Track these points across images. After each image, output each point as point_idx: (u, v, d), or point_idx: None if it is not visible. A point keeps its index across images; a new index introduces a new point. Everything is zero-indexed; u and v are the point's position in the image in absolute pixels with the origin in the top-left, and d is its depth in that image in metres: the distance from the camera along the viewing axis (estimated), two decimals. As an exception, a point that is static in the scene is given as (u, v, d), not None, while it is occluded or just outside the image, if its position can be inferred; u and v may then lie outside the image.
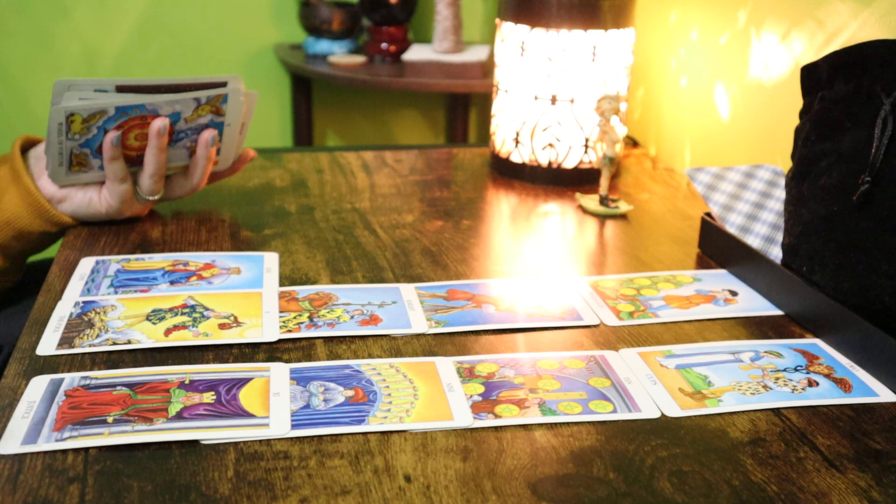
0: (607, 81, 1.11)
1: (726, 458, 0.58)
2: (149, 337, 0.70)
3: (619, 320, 0.77)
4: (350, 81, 1.95)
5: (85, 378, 0.64)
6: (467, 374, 0.67)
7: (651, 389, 0.66)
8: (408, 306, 0.78)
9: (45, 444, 0.57)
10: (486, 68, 1.95)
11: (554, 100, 1.10)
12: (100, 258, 0.85)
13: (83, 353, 0.68)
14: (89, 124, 0.84)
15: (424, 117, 2.39)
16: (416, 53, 1.98)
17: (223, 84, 0.90)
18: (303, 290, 0.80)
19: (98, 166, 0.88)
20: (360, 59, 2.04)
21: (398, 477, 0.55)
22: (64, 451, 0.56)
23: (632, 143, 1.34)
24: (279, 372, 0.66)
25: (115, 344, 0.69)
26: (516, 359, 0.70)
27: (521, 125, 1.13)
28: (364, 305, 0.78)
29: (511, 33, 1.12)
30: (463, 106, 2.20)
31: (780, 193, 0.90)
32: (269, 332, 0.72)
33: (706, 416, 0.63)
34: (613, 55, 1.10)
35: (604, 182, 1.04)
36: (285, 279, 0.83)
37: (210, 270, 0.83)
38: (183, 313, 0.74)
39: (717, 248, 0.90)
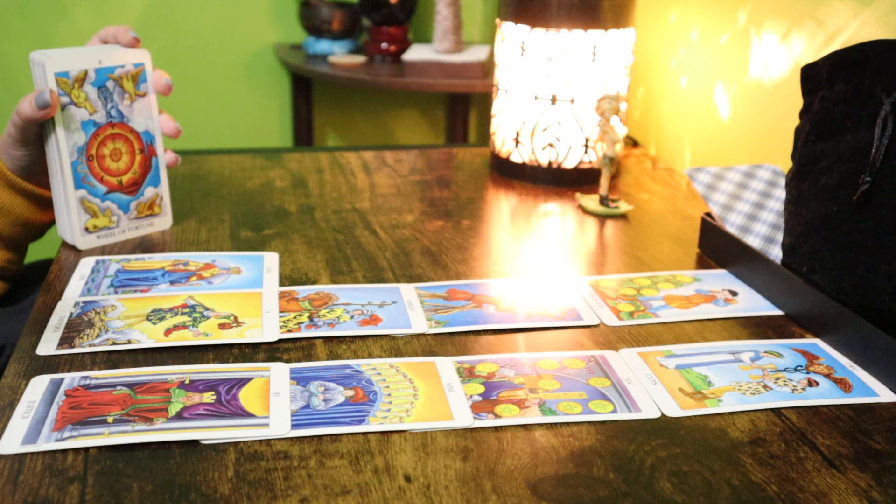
0: (607, 81, 1.11)
1: (726, 458, 0.58)
2: (149, 337, 0.70)
3: (619, 320, 0.77)
4: (350, 81, 1.95)
5: (85, 378, 0.64)
6: (467, 374, 0.67)
7: (651, 389, 0.66)
8: (408, 306, 0.78)
9: (45, 444, 0.57)
10: (486, 68, 1.95)
11: (554, 100, 1.10)
12: (100, 258, 0.85)
13: (83, 353, 0.68)
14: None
15: (424, 117, 2.39)
16: (416, 53, 1.98)
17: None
18: (303, 290, 0.80)
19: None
20: (360, 59, 2.04)
21: (398, 477, 0.55)
22: (64, 451, 0.56)
23: (632, 143, 1.34)
24: (279, 372, 0.66)
25: (115, 344, 0.69)
26: (516, 359, 0.70)
27: (521, 125, 1.13)
28: (364, 305, 0.78)
29: (511, 33, 1.12)
30: (463, 106, 2.20)
31: (780, 193, 0.90)
32: (269, 332, 0.72)
33: (706, 416, 0.63)
34: (613, 55, 1.10)
35: (604, 182, 1.04)
36: (285, 279, 0.83)
37: (210, 270, 0.83)
38: (183, 313, 0.74)
39: (717, 248, 0.90)
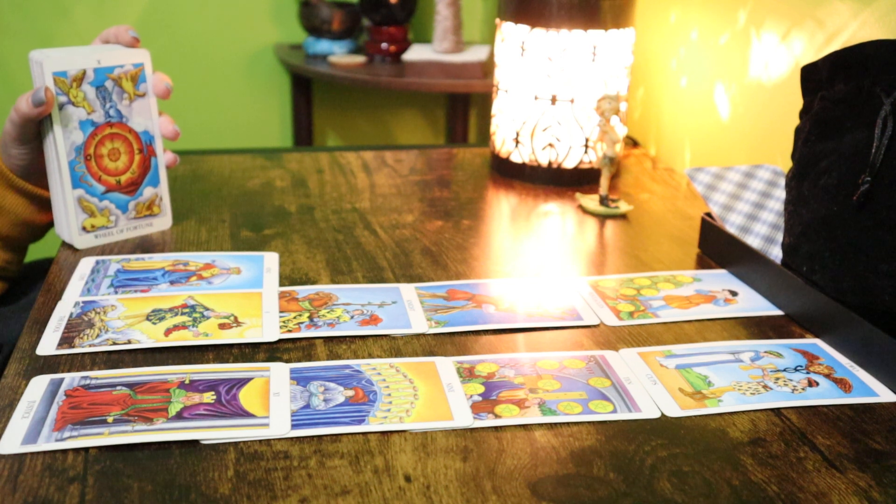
0: (607, 81, 1.11)
1: (726, 458, 0.58)
2: (149, 337, 0.70)
3: (619, 320, 0.77)
4: (350, 81, 1.95)
5: (85, 378, 0.64)
6: (467, 374, 0.67)
7: (651, 389, 0.66)
8: (408, 306, 0.78)
9: (45, 444, 0.57)
10: (486, 68, 1.95)
11: (554, 100, 1.10)
12: (100, 258, 0.85)
13: (83, 353, 0.68)
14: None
15: (424, 117, 2.39)
16: (416, 53, 1.98)
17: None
18: (303, 290, 0.80)
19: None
20: (360, 59, 2.04)
21: (398, 477, 0.55)
22: (64, 451, 0.56)
23: (632, 143, 1.34)
24: (279, 372, 0.66)
25: (115, 344, 0.69)
26: (516, 359, 0.70)
27: (521, 125, 1.13)
28: (364, 305, 0.77)
29: (511, 33, 1.12)
30: (463, 106, 2.20)
31: (780, 193, 0.90)
32: (269, 332, 0.72)
33: (706, 416, 0.63)
34: (613, 55, 1.10)
35: (604, 182, 1.04)
36: (285, 279, 0.83)
37: (210, 270, 0.83)
38: (183, 313, 0.74)
39: (717, 248, 0.90)
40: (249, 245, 0.91)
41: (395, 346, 0.72)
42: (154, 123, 0.90)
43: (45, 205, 0.89)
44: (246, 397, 0.63)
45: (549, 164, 1.13)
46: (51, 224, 0.92)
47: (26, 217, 0.88)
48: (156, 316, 0.74)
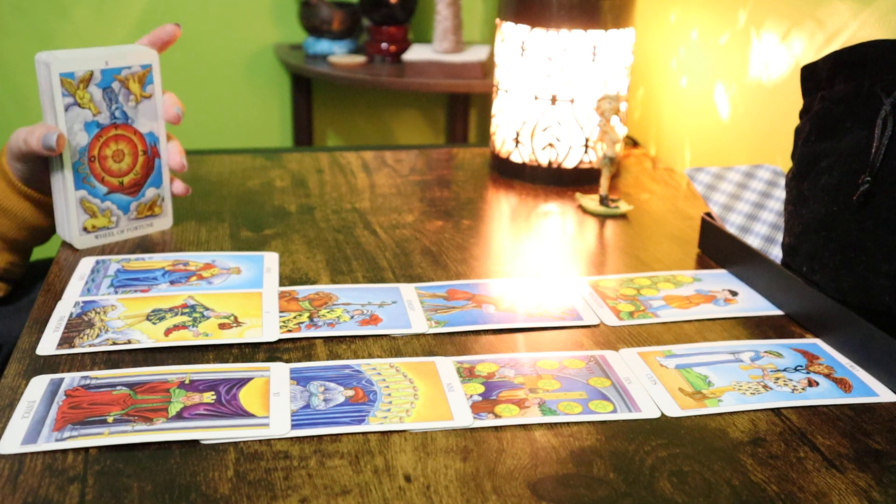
0: (607, 81, 1.11)
1: (726, 458, 0.58)
2: (149, 337, 0.70)
3: (619, 320, 0.77)
4: (350, 81, 1.95)
5: (85, 378, 0.64)
6: (467, 374, 0.67)
7: (651, 389, 0.66)
8: (408, 306, 0.78)
9: (45, 444, 0.57)
10: (486, 68, 1.95)
11: (554, 100, 1.10)
12: (100, 258, 0.85)
13: (83, 353, 0.68)
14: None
15: (424, 117, 2.39)
16: (416, 53, 1.98)
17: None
18: (303, 290, 0.80)
19: None
20: (360, 59, 2.04)
21: (398, 477, 0.55)
22: (64, 451, 0.56)
23: (632, 143, 1.34)
24: (279, 372, 0.66)
25: (115, 344, 0.69)
26: (516, 359, 0.70)
27: (521, 125, 1.13)
28: (364, 305, 0.78)
29: (511, 33, 1.12)
30: (463, 106, 2.20)
31: (780, 193, 0.90)
32: (269, 332, 0.72)
33: (706, 416, 0.63)
34: (613, 55, 1.10)
35: (604, 182, 1.04)
36: (285, 279, 0.83)
37: (210, 270, 0.83)
38: (183, 313, 0.74)
39: (717, 248, 0.90)
40: (249, 245, 0.91)
41: (395, 346, 0.72)
42: (159, 125, 0.90)
43: (50, 210, 0.89)
44: (246, 397, 0.63)
45: (549, 164, 1.13)
46: (55, 227, 0.92)
47: (32, 221, 0.88)
48: (156, 316, 0.74)
